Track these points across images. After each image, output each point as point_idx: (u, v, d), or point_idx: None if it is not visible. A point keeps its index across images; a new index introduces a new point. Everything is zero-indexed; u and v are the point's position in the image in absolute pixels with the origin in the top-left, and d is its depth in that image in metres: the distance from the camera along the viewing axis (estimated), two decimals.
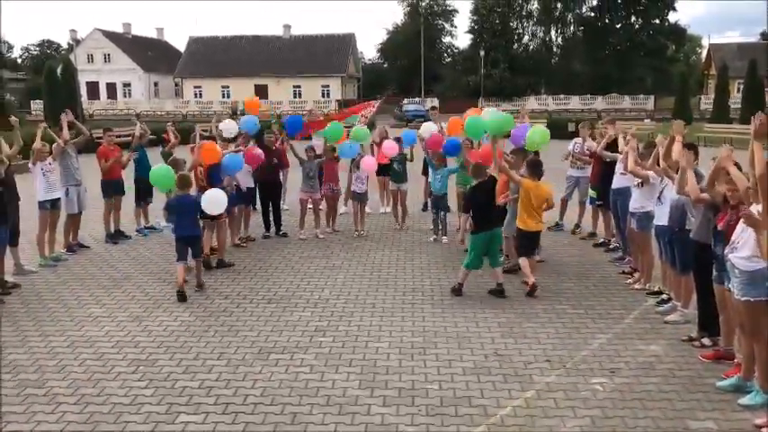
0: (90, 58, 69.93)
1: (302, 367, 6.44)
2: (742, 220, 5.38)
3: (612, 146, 10.04)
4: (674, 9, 65.28)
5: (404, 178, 12.46)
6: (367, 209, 12.72)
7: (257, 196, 12.07)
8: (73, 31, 56.64)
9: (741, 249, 5.49)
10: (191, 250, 8.74)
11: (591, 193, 11.12)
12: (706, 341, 6.74)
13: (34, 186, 10.05)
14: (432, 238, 11.56)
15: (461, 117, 10.87)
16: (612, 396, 5.79)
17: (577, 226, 11.93)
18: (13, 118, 10.23)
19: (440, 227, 11.54)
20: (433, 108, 18.83)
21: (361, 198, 12.05)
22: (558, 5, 70.55)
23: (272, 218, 11.98)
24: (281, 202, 12.68)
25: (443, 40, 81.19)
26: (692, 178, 6.61)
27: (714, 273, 6.16)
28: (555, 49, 74.10)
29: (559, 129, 27.86)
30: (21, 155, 10.41)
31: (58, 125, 10.82)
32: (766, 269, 5.29)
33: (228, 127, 11.41)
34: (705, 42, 78.88)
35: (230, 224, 11.01)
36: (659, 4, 64.40)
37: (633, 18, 66.82)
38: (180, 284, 8.52)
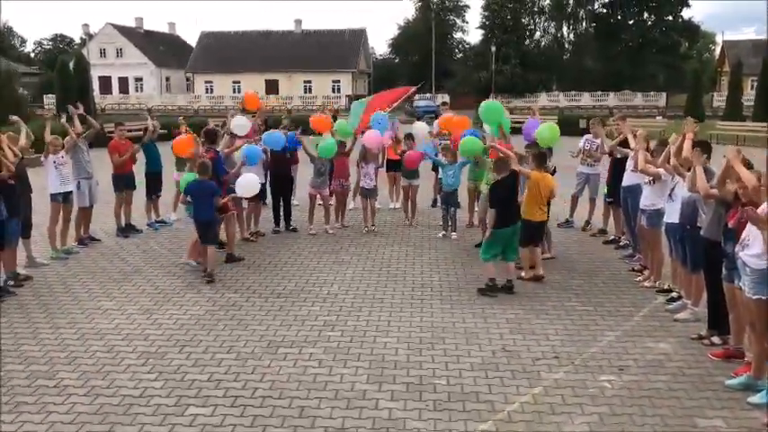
0: (102, 53, 70.24)
1: (311, 361, 6.46)
2: (745, 216, 5.35)
3: (624, 143, 10.00)
4: (688, 5, 64.62)
5: (415, 174, 12.46)
6: (377, 204, 12.73)
7: (268, 191, 12.09)
8: (85, 25, 57.02)
9: (752, 247, 5.47)
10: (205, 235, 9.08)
11: (604, 189, 11.09)
12: (716, 339, 6.71)
13: (47, 179, 10.12)
14: (441, 234, 11.55)
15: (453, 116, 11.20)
16: (621, 393, 5.77)
17: (588, 223, 11.90)
18: (13, 117, 10.22)
19: (449, 223, 11.53)
20: (444, 104, 18.78)
21: (369, 194, 12.04)
22: (571, 1, 70.13)
23: (282, 213, 12.01)
24: (292, 197, 12.70)
25: (455, 36, 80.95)
26: (702, 175, 6.58)
27: (724, 271, 6.13)
28: (567, 46, 73.74)
29: (571, 126, 27.76)
30: (33, 148, 10.46)
31: (68, 118, 10.87)
32: None
33: (240, 124, 11.39)
34: (719, 39, 78.36)
35: (239, 219, 11.07)
36: (672, 0, 63.92)
37: (646, 14, 66.24)
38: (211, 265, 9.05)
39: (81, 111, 10.98)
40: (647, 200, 8.42)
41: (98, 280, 9.15)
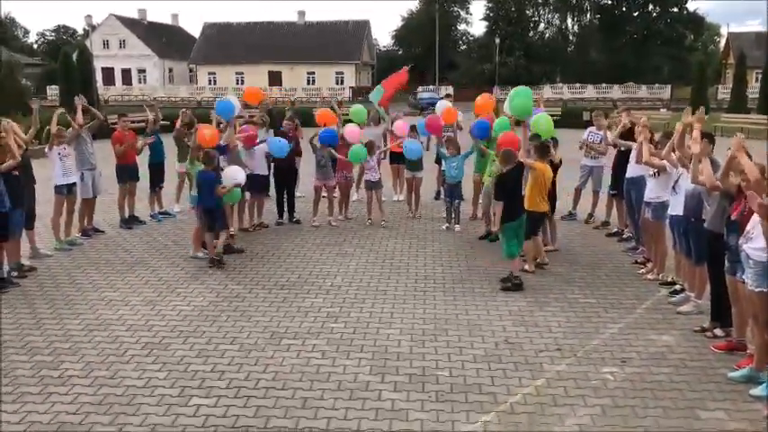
0: (105, 44, 70.10)
1: (314, 353, 6.48)
2: (752, 207, 5.34)
3: (628, 135, 9.97)
4: None
5: (419, 166, 12.41)
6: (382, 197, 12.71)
7: (272, 183, 12.09)
8: (88, 16, 56.62)
9: (756, 240, 5.46)
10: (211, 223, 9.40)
11: (608, 182, 11.07)
12: (718, 332, 6.71)
13: (52, 171, 10.13)
14: (444, 227, 11.55)
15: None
16: (623, 386, 5.79)
17: (591, 215, 11.88)
18: (34, 103, 10.38)
19: (453, 215, 11.52)
20: (448, 96, 18.74)
21: (374, 186, 12.00)
22: None
23: (285, 205, 12.01)
24: (296, 189, 12.69)
25: (458, 28, 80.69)
26: (708, 167, 6.56)
27: (726, 264, 6.12)
28: (571, 38, 73.53)
29: (574, 118, 27.69)
30: (36, 140, 10.47)
31: (72, 110, 10.88)
32: None
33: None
34: (724, 31, 77.99)
35: (240, 210, 11.10)
36: None
37: (651, 6, 66.01)
38: (212, 252, 9.37)
39: (84, 102, 10.98)
40: (651, 192, 8.40)
41: (102, 271, 9.18)
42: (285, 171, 11.81)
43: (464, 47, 78.70)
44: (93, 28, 64.21)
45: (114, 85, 68.49)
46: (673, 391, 5.67)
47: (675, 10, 64.98)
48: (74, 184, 10.37)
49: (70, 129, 10.45)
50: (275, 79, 65.48)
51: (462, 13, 79.86)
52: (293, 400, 5.53)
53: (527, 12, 69.29)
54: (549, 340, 6.77)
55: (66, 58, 37.25)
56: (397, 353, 6.47)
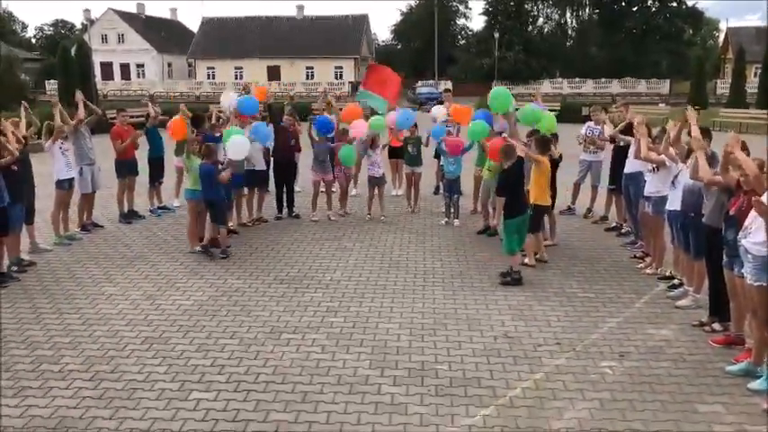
0: (104, 39, 69.85)
1: (314, 347, 6.50)
2: (753, 205, 5.35)
3: (628, 131, 9.97)
4: None
5: (418, 161, 12.40)
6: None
7: (271, 178, 12.09)
8: (87, 10, 56.36)
9: (754, 234, 5.47)
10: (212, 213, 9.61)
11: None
12: (716, 326, 6.74)
13: (53, 166, 10.12)
14: (443, 221, 11.56)
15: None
16: (622, 379, 5.81)
17: (589, 210, 11.90)
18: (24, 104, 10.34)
19: (452, 210, 11.53)
20: (447, 91, 18.68)
21: (378, 182, 11.96)
22: None
23: (285, 199, 12.01)
24: (295, 183, 12.69)
25: (458, 22, 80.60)
26: (705, 162, 6.57)
27: (724, 258, 6.14)
28: (570, 32, 73.36)
29: (574, 113, 27.65)
30: (36, 135, 10.48)
31: (74, 105, 10.87)
32: None
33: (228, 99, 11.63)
34: (723, 26, 77.94)
35: (238, 205, 11.12)
36: None
37: (650, 1, 65.80)
38: (205, 240, 9.66)
39: (83, 97, 10.97)
40: (651, 187, 8.39)
41: (101, 266, 9.19)
42: (284, 166, 11.81)
43: (463, 41, 78.50)
44: (92, 22, 63.99)
45: (113, 79, 68.36)
46: (671, 384, 5.70)
47: (674, 5, 64.81)
48: (73, 178, 10.38)
49: (67, 125, 10.42)
50: (274, 74, 65.32)
51: (461, 8, 79.78)
52: (293, 395, 5.55)
53: (526, 6, 69.02)
54: (547, 334, 6.79)
55: (65, 53, 37.15)
56: (397, 347, 6.49)
